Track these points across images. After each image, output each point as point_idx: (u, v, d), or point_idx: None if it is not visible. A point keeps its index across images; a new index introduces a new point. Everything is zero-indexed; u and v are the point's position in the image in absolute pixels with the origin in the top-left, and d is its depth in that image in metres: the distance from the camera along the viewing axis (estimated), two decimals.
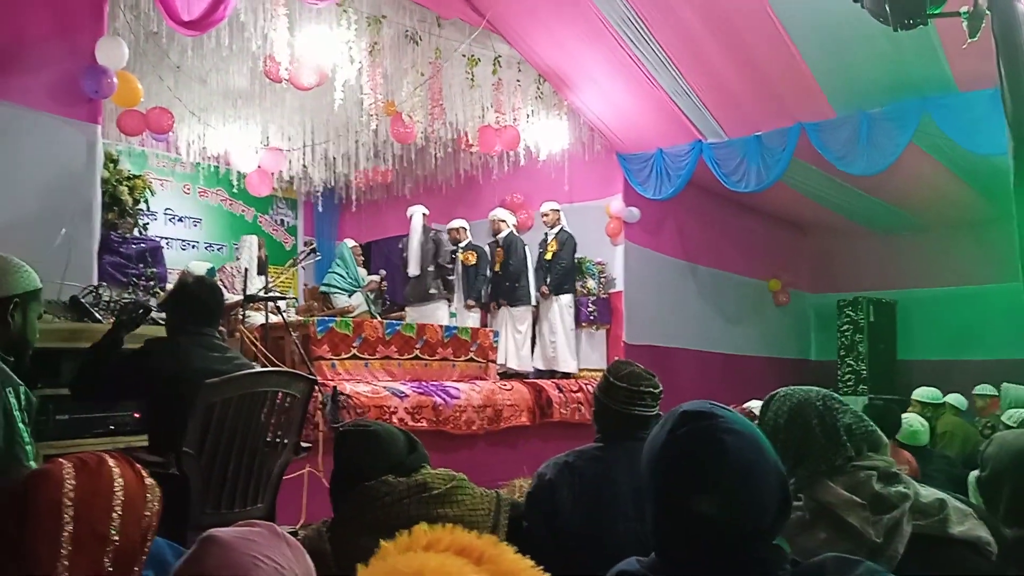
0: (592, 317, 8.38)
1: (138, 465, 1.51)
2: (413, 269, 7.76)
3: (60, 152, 4.68)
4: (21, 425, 2.03)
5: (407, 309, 7.84)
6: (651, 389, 2.33)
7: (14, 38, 4.56)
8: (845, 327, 10.29)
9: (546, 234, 8.39)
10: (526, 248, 8.23)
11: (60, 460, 1.43)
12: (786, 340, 11.22)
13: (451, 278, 8.00)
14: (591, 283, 8.50)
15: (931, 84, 6.49)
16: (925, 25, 2.74)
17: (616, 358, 7.98)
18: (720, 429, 1.21)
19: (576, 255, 8.36)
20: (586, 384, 7.67)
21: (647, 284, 8.83)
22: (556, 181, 8.59)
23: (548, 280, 8.10)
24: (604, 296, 8.54)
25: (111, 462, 1.47)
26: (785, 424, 1.80)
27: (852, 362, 10.17)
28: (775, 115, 7.31)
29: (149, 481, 1.51)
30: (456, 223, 8.36)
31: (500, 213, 8.38)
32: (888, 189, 8.64)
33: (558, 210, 8.33)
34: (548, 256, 8.21)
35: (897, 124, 6.84)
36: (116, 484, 1.43)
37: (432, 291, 7.76)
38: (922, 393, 6.72)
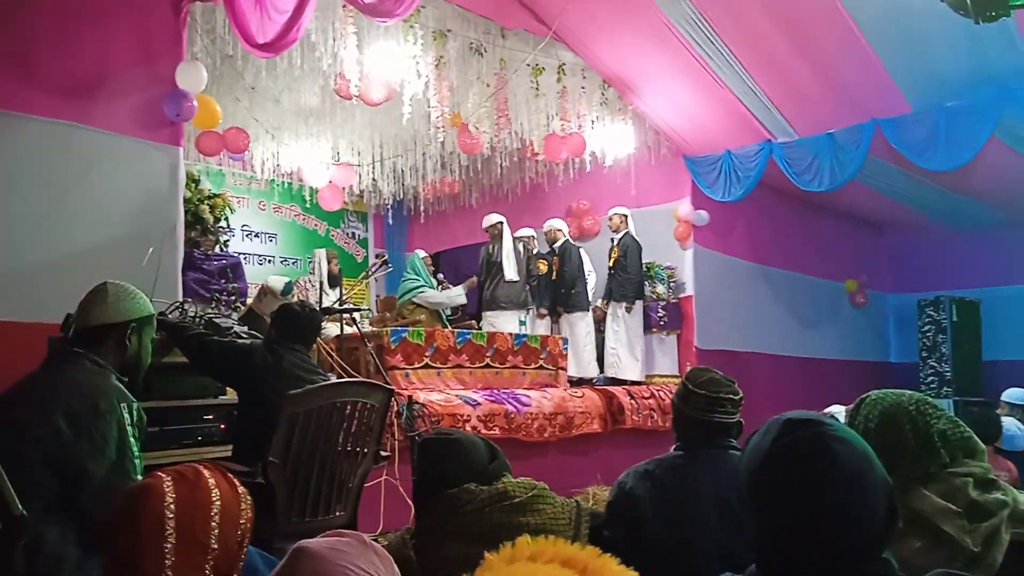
0: (662, 322, 8.29)
1: (230, 475, 1.56)
2: (511, 274, 7.81)
3: (145, 174, 4.89)
4: (132, 439, 2.13)
5: (487, 314, 7.85)
6: (731, 395, 2.30)
7: (100, 66, 4.78)
8: (927, 328, 9.92)
9: (612, 240, 8.40)
10: (581, 254, 8.24)
11: (159, 473, 1.48)
12: (864, 342, 10.91)
13: (533, 285, 8.12)
14: (660, 288, 8.42)
15: (1012, 75, 6.23)
16: (1008, 16, 2.64)
17: (690, 364, 8.05)
18: (828, 437, 1.18)
19: (644, 260, 8.33)
20: (657, 390, 7.60)
21: (718, 288, 8.71)
22: (622, 186, 8.55)
23: (612, 286, 8.12)
24: (674, 301, 8.45)
25: (206, 473, 1.52)
26: (876, 430, 1.75)
27: (935, 364, 9.80)
28: (848, 112, 7.14)
29: (242, 490, 1.55)
30: (525, 232, 8.40)
31: (555, 223, 8.45)
32: (969, 184, 8.32)
33: (624, 215, 8.31)
34: (611, 263, 8.22)
35: (977, 117, 6.58)
36: (213, 495, 1.48)
37: (524, 298, 7.86)
38: (1012, 394, 6.42)
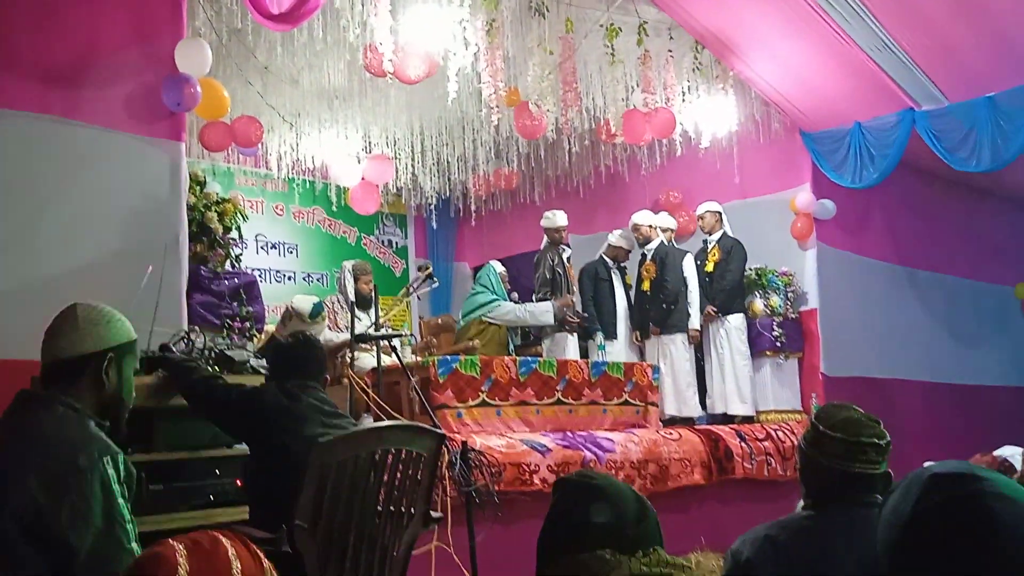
0: (779, 343, 8.19)
1: (252, 544, 1.60)
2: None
3: (141, 176, 5.03)
4: (121, 500, 2.16)
5: (546, 341, 7.91)
6: (875, 440, 2.26)
7: (85, 50, 4.93)
8: None
9: (705, 242, 8.38)
10: (686, 260, 8.24)
11: (170, 542, 1.52)
12: None
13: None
14: (775, 299, 8.32)
15: None
16: None
17: (815, 395, 7.93)
18: (987, 496, 1.16)
19: (753, 265, 8.27)
20: (775, 430, 7.49)
21: (850, 298, 8.58)
22: (724, 172, 8.51)
23: (712, 299, 8.12)
24: (794, 316, 8.35)
25: (226, 542, 1.56)
26: None
27: None
28: (1013, 70, 6.96)
29: (267, 564, 1.59)
30: (616, 237, 8.52)
31: (646, 216, 8.44)
32: None
33: (717, 212, 8.35)
34: (709, 268, 8.19)
35: None
36: (233, 567, 1.51)
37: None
38: None
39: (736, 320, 8.15)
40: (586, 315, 8.22)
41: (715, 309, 8.11)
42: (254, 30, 6.36)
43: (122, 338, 2.42)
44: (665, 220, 8.55)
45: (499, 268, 8.00)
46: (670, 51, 7.55)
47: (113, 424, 2.38)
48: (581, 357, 7.68)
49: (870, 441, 2.25)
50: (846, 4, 6.71)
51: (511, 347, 7.70)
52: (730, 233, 8.31)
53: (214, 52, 5.65)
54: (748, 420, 7.91)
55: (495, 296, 7.61)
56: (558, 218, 8.18)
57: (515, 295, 7.94)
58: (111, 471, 2.17)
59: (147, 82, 5.11)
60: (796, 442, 2.40)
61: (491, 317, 7.52)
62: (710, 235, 8.36)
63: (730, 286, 8.12)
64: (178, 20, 5.31)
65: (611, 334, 8.22)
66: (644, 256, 8.37)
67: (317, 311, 6.01)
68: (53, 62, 4.82)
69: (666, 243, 8.35)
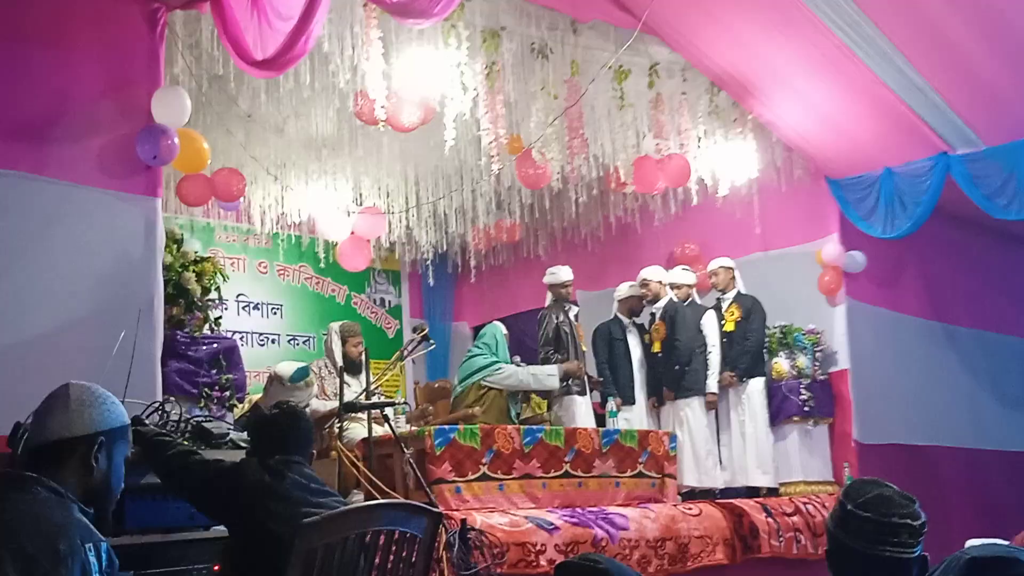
0: (807, 408, 8.15)
1: None
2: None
3: (114, 235, 5.08)
4: None
5: (554, 406, 7.90)
6: (908, 520, 2.24)
7: (55, 101, 5.02)
8: None
9: (718, 299, 8.44)
10: (706, 317, 8.26)
11: None
12: None
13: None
14: (802, 360, 8.31)
15: None
16: None
17: (847, 466, 7.88)
18: None
19: (777, 323, 8.30)
20: (804, 504, 7.43)
21: (884, 357, 8.56)
22: (744, 223, 8.53)
23: (734, 362, 8.15)
24: (822, 377, 8.32)
25: None
26: None
27: None
28: None
29: None
30: (627, 289, 8.56)
31: (655, 272, 8.48)
32: None
33: (731, 268, 8.39)
34: (730, 327, 8.23)
35: None
36: None
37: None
38: None
39: (757, 384, 8.14)
40: (601, 379, 8.22)
41: (733, 374, 8.11)
42: (236, 76, 6.43)
43: (115, 422, 2.46)
44: (681, 276, 8.56)
45: (503, 330, 7.98)
46: (684, 93, 7.62)
47: (98, 511, 2.39)
48: (597, 424, 7.63)
49: (903, 522, 2.24)
50: (874, 42, 6.78)
51: (513, 414, 7.65)
52: (743, 290, 8.33)
53: (193, 100, 5.73)
54: (771, 493, 7.85)
55: (495, 358, 7.60)
56: (562, 273, 8.20)
57: (517, 358, 7.91)
58: (92, 559, 2.18)
59: (122, 134, 5.19)
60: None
61: (491, 381, 7.48)
62: (724, 293, 8.39)
63: (754, 348, 8.14)
64: (155, 68, 5.40)
65: (629, 399, 8.22)
66: (653, 316, 8.39)
67: (300, 375, 5.99)
68: (21, 115, 4.90)
69: (676, 300, 8.34)
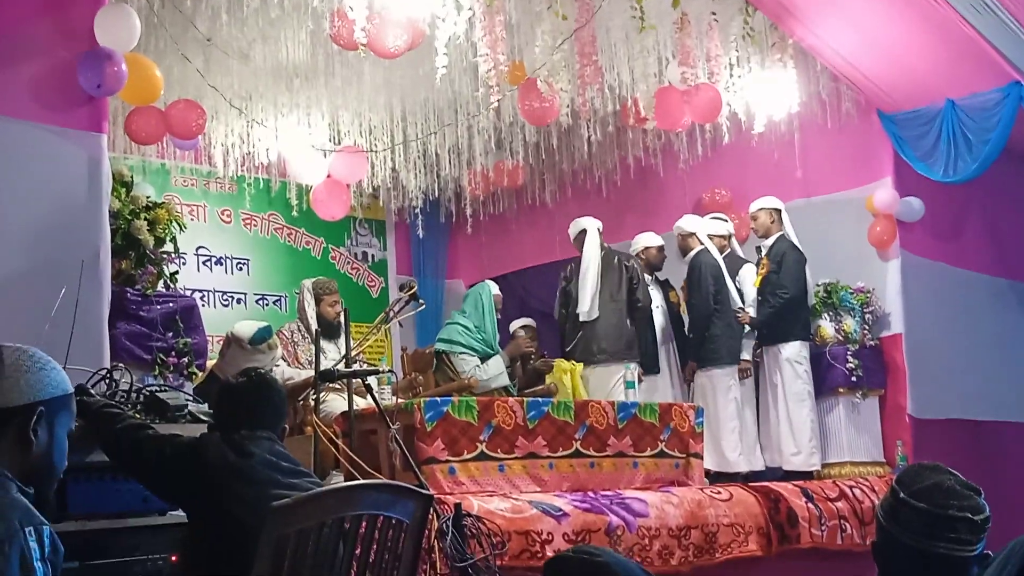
0: (855, 378, 8.17)
1: None
2: (587, 309, 7.92)
3: (53, 177, 5.05)
4: None
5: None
6: (968, 514, 2.26)
7: None
8: None
9: (758, 250, 8.44)
10: (744, 271, 8.31)
11: None
12: None
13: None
14: (849, 323, 8.33)
15: None
16: None
17: (900, 444, 7.90)
18: None
19: (821, 280, 8.32)
20: (851, 487, 7.45)
21: (943, 320, 8.58)
22: (783, 165, 8.53)
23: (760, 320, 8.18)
24: (872, 343, 8.35)
25: None
26: None
27: None
28: None
29: None
30: (645, 240, 8.50)
31: (688, 222, 8.47)
32: None
33: (775, 210, 8.32)
34: (756, 283, 8.25)
35: None
36: None
37: (619, 345, 7.94)
38: None
39: (791, 350, 8.06)
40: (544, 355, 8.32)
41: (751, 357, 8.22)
42: None
43: (56, 391, 2.44)
44: (713, 225, 8.54)
45: (494, 289, 7.93)
46: (714, 14, 7.54)
47: (39, 491, 2.39)
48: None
49: (962, 515, 2.25)
50: None
51: (510, 385, 7.66)
52: (791, 237, 8.27)
53: (143, 21, 5.69)
54: (807, 476, 7.86)
55: (468, 332, 7.57)
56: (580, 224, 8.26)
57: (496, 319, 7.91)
58: (34, 544, 2.18)
59: (60, 60, 5.14)
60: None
61: (455, 360, 7.54)
62: (766, 239, 8.32)
63: (778, 309, 8.06)
64: None
65: (651, 367, 8.26)
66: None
67: (262, 336, 6.00)
68: None
69: (709, 252, 8.32)
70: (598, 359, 7.95)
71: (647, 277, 8.46)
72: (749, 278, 8.29)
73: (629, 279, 8.07)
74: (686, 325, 8.51)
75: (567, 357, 8.11)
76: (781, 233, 8.27)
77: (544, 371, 8.06)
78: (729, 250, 8.53)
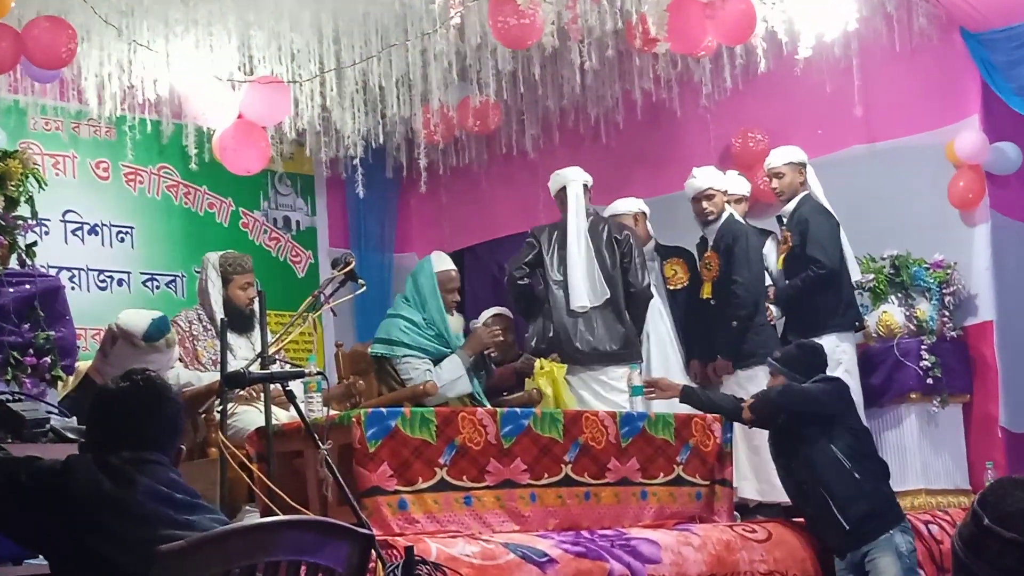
0: (931, 380, 8.21)
1: None
2: (580, 298, 7.96)
3: None
4: None
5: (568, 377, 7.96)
6: None
7: None
8: None
9: (779, 218, 8.49)
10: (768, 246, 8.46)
11: None
12: None
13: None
14: (924, 308, 8.38)
15: None
16: None
17: (990, 466, 7.93)
18: None
19: (888, 251, 8.38)
20: (927, 523, 7.53)
21: None
22: (835, 102, 8.59)
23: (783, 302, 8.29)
24: (954, 334, 8.39)
25: None
26: None
27: None
28: None
29: None
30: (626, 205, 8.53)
31: (712, 178, 8.48)
32: None
33: (799, 164, 8.29)
34: (779, 263, 8.38)
35: None
36: None
37: (617, 342, 7.98)
38: None
39: (825, 346, 7.76)
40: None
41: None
42: None
43: None
44: (733, 182, 8.55)
45: (444, 265, 7.83)
46: None
47: None
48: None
49: None
50: None
51: (477, 389, 7.63)
52: (819, 197, 8.25)
53: None
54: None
55: (409, 326, 7.54)
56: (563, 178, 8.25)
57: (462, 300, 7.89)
58: None
59: None
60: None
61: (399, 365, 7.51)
62: (787, 201, 8.31)
63: (808, 288, 8.08)
64: None
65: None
66: (705, 243, 8.44)
67: (158, 330, 5.99)
68: None
69: (738, 219, 8.33)
70: (587, 359, 7.99)
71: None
72: (772, 255, 8.38)
73: (621, 256, 8.09)
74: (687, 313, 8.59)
75: (537, 353, 8.08)
76: (807, 192, 8.26)
77: (524, 373, 8.06)
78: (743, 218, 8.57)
